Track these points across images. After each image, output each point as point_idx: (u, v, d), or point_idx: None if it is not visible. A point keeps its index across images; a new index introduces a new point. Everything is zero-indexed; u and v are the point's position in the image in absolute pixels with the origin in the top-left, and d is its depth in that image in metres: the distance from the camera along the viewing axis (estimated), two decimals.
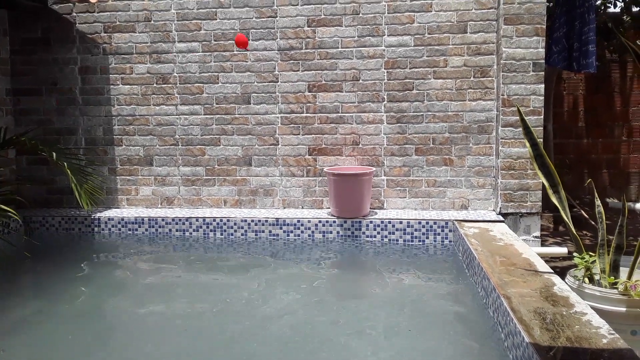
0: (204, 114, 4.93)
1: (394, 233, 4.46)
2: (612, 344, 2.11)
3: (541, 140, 3.97)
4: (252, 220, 4.61)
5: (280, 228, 4.59)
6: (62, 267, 4.09)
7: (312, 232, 4.55)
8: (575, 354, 2.05)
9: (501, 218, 4.44)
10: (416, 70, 4.69)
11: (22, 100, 5.09)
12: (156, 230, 4.69)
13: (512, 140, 4.44)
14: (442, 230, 4.42)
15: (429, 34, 4.65)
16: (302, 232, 4.56)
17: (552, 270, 3.07)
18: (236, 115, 4.90)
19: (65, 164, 4.23)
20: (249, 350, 2.69)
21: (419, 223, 4.45)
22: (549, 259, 3.65)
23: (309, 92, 4.82)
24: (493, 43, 4.60)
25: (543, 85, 4.43)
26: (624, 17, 6.47)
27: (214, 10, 4.84)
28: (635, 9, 6.40)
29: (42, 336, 2.91)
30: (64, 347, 2.78)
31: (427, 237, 4.44)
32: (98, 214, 4.80)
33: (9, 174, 5.00)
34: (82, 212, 4.82)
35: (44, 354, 2.71)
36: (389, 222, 4.47)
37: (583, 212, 5.86)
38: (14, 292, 3.60)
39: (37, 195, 5.13)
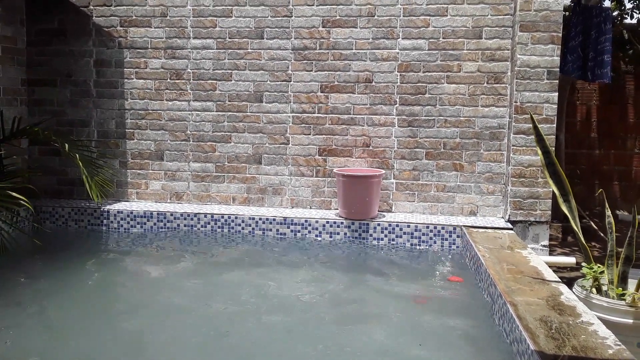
0: (216, 111, 4.95)
1: (401, 236, 4.46)
2: (618, 354, 2.09)
3: (553, 148, 3.96)
4: (260, 219, 4.62)
5: (288, 227, 4.59)
6: (70, 257, 4.12)
7: (320, 232, 4.55)
8: None
9: (510, 225, 4.42)
10: (429, 74, 4.68)
11: (36, 91, 5.13)
12: (164, 224, 4.71)
13: (524, 147, 4.42)
14: (450, 236, 4.41)
15: (443, 38, 4.64)
16: (309, 232, 4.57)
17: (559, 280, 3.06)
18: (248, 113, 4.92)
19: (77, 155, 4.26)
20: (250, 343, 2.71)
21: (427, 227, 4.44)
22: (556, 269, 3.63)
23: (321, 92, 4.82)
24: (508, 49, 4.58)
25: (557, 94, 4.40)
26: None
27: (229, 7, 4.86)
28: None
29: (49, 328, 2.93)
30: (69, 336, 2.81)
31: (435, 242, 4.42)
32: (108, 207, 4.83)
33: (21, 163, 5.05)
34: (92, 204, 4.85)
35: (53, 345, 2.74)
36: (397, 226, 4.47)
37: (592, 224, 5.82)
38: (25, 281, 3.63)
39: (48, 186, 5.16)
